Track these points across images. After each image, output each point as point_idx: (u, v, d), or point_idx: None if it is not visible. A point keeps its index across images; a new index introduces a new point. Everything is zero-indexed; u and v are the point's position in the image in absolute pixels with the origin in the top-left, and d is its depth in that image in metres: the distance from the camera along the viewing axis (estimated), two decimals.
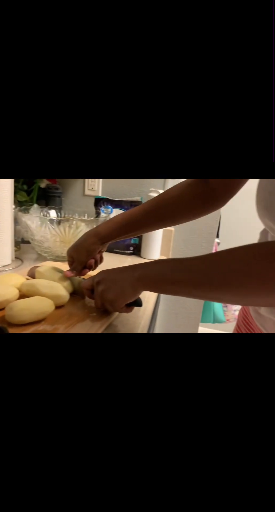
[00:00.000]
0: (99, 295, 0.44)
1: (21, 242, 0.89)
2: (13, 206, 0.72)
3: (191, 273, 0.34)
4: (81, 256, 0.55)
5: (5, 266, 0.69)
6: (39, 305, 0.42)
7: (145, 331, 0.50)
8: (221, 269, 0.31)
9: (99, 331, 0.43)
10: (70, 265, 0.58)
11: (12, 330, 0.39)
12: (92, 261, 0.57)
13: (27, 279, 0.52)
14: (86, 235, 0.56)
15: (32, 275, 0.55)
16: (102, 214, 0.89)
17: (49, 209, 0.87)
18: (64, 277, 0.53)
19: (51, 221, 0.70)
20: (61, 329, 0.42)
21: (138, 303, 0.47)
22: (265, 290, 0.28)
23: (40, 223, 0.71)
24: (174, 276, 0.36)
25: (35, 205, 0.82)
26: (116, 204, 0.91)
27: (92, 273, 0.64)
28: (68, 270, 0.57)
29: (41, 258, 0.80)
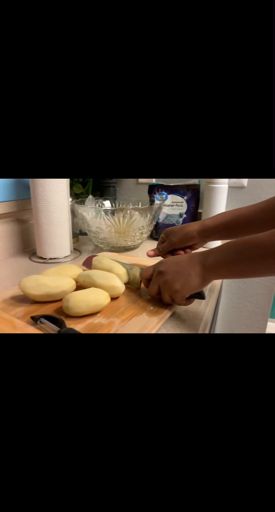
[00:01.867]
0: (162, 286, 0.42)
1: (79, 234, 0.91)
2: (70, 199, 0.73)
3: (267, 248, 0.31)
4: (176, 237, 0.52)
5: (65, 257, 0.71)
6: (95, 297, 0.41)
7: (207, 328, 0.44)
8: None
9: (157, 326, 0.39)
10: (159, 243, 0.56)
11: (68, 322, 0.39)
12: (181, 252, 0.54)
13: (84, 269, 0.52)
14: (192, 222, 0.53)
15: (87, 265, 0.55)
16: (157, 202, 0.84)
17: (104, 200, 0.87)
18: (120, 267, 0.51)
19: (106, 211, 0.69)
20: (116, 323, 0.39)
21: (201, 295, 0.42)
22: None
23: (95, 214, 0.70)
24: (250, 253, 0.32)
25: (90, 197, 0.82)
26: (171, 189, 0.85)
27: (147, 263, 0.60)
28: (152, 250, 0.55)
29: (98, 249, 0.80)
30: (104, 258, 0.52)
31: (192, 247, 0.54)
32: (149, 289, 0.44)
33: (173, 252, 0.55)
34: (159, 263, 0.44)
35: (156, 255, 0.56)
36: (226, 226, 0.49)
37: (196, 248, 0.54)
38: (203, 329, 0.43)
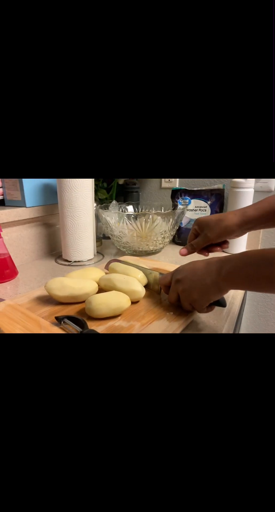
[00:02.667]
0: (180, 294, 0.41)
1: (102, 238, 0.94)
2: (95, 204, 0.76)
3: None
4: (212, 232, 0.47)
5: (88, 260, 0.74)
6: (116, 301, 0.42)
7: None
8: None
9: (178, 332, 0.39)
10: (192, 238, 0.51)
11: (90, 323, 0.40)
12: (217, 248, 0.49)
13: (106, 273, 0.53)
14: (229, 212, 0.46)
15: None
16: (180, 206, 0.84)
17: (127, 205, 0.89)
18: (136, 271, 0.52)
19: (128, 216, 0.70)
20: (137, 326, 0.40)
21: (221, 303, 0.41)
22: None
23: (118, 218, 0.72)
24: (268, 271, 0.29)
25: (114, 202, 0.84)
26: (195, 194, 0.85)
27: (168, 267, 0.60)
28: (185, 247, 0.50)
29: (120, 252, 0.82)
30: (121, 265, 0.53)
31: (229, 239, 0.49)
32: (169, 297, 0.44)
33: (208, 247, 0.50)
34: (176, 270, 0.43)
35: (189, 252, 0.51)
36: (272, 214, 0.43)
37: (233, 238, 0.49)
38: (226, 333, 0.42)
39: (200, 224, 0.49)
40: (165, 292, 0.46)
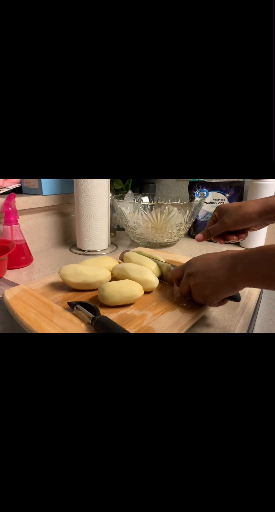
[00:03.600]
0: (192, 288, 0.40)
1: (116, 229, 0.93)
2: (110, 194, 0.75)
3: None
4: (230, 218, 0.45)
5: (102, 250, 0.74)
6: (129, 289, 0.41)
7: (245, 329, 0.42)
8: None
9: (190, 324, 0.38)
10: (210, 224, 0.50)
11: (102, 310, 0.40)
12: (234, 237, 0.48)
13: (120, 262, 0.53)
14: (250, 201, 0.45)
15: (123, 258, 0.56)
16: (197, 198, 0.82)
17: (143, 196, 0.88)
18: (150, 262, 0.51)
19: (144, 206, 0.69)
20: (149, 316, 0.39)
21: (235, 297, 0.40)
22: None
23: (133, 209, 0.71)
24: None
25: (130, 192, 0.83)
26: (213, 186, 0.82)
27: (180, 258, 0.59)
28: (201, 233, 0.49)
29: (134, 244, 0.81)
30: (135, 255, 0.53)
31: (248, 229, 0.47)
32: (180, 289, 0.43)
33: (225, 235, 0.49)
34: (188, 264, 0.41)
35: (205, 238, 0.49)
36: None
37: (254, 230, 0.48)
38: (240, 329, 0.41)
39: (220, 210, 0.47)
40: (177, 285, 0.45)
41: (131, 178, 0.97)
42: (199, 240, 0.50)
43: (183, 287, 0.42)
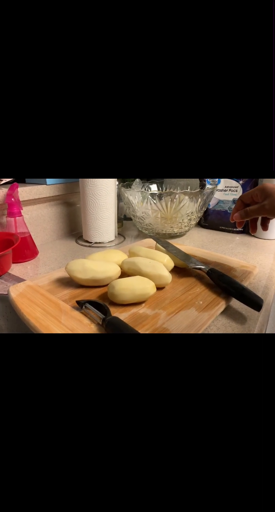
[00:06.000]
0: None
1: (123, 219, 0.90)
2: (117, 183, 0.71)
3: None
4: (270, 204, 0.40)
5: (109, 242, 0.71)
6: (141, 286, 0.38)
7: (264, 328, 0.39)
8: None
9: (207, 323, 0.36)
10: (246, 198, 0.45)
11: (112, 309, 0.38)
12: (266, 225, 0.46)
13: (128, 256, 0.50)
14: None
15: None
16: (208, 186, 0.78)
17: (151, 184, 0.83)
18: (164, 255, 0.48)
19: (153, 195, 0.66)
20: (163, 315, 0.37)
21: (257, 304, 0.38)
22: None
23: (141, 198, 0.68)
24: None
25: (137, 180, 0.79)
26: None
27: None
28: (239, 212, 0.45)
29: (142, 235, 0.78)
30: (143, 248, 0.50)
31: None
32: (249, 208, 0.42)
33: (264, 221, 0.46)
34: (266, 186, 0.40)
35: (242, 218, 0.45)
36: None
37: None
38: (260, 329, 0.38)
39: (265, 190, 0.41)
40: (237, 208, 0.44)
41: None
42: (235, 219, 0.45)
43: (256, 208, 0.40)
